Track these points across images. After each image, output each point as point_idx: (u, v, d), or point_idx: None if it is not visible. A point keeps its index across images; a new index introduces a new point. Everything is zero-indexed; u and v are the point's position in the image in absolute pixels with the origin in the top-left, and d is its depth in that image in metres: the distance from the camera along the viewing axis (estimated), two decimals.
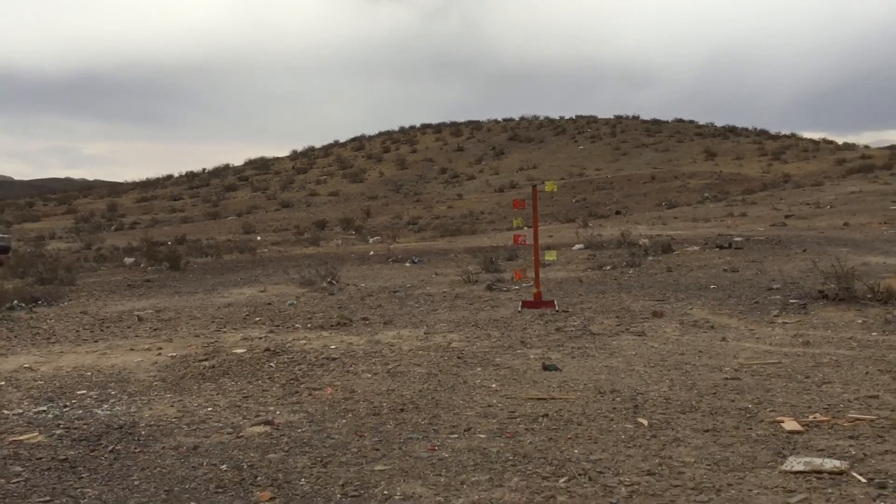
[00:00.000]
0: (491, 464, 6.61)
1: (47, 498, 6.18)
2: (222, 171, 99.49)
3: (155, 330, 13.84)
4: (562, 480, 6.20)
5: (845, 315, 12.67)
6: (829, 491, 5.78)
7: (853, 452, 6.54)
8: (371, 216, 60.49)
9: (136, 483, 6.46)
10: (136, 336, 13.24)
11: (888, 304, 13.17)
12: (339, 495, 6.07)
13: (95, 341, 12.85)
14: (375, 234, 44.40)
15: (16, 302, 17.33)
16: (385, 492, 6.10)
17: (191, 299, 18.21)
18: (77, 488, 6.38)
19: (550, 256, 16.51)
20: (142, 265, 28.56)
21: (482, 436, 7.36)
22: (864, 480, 5.94)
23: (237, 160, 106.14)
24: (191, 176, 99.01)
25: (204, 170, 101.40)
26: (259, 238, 46.64)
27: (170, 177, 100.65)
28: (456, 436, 7.39)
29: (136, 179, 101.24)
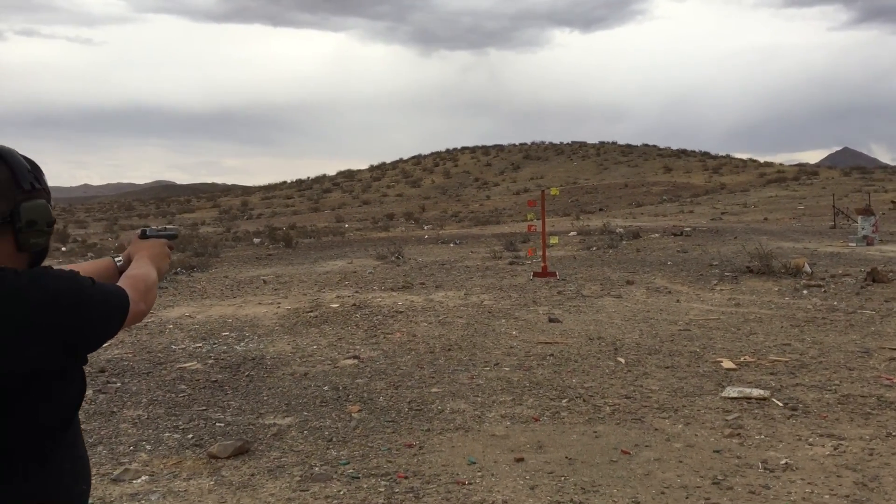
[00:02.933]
0: (513, 388, 6.59)
1: (204, 407, 6.26)
2: (321, 179, 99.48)
3: (275, 290, 13.89)
4: (564, 401, 6.17)
5: (765, 284, 12.46)
6: (756, 411, 5.71)
7: (773, 384, 6.44)
8: (425, 211, 60.30)
9: (265, 398, 6.52)
10: (263, 294, 13.31)
11: (796, 276, 12.94)
12: (406, 409, 6.08)
13: (234, 297, 12.93)
14: (428, 224, 44.26)
15: (179, 269, 17.51)
16: (439, 407, 6.10)
17: (300, 268, 18.26)
18: (224, 401, 6.45)
19: (554, 241, 16.33)
20: (265, 244, 28.68)
21: (507, 368, 7.33)
22: (780, 404, 5.86)
23: (331, 171, 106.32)
24: (299, 182, 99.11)
25: (308, 177, 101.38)
26: (347, 226, 46.63)
27: (284, 182, 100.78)
28: (488, 368, 7.37)
29: (261, 184, 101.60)
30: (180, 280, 15.92)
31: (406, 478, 4.58)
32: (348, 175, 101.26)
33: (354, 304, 11.41)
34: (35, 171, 1.58)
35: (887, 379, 6.45)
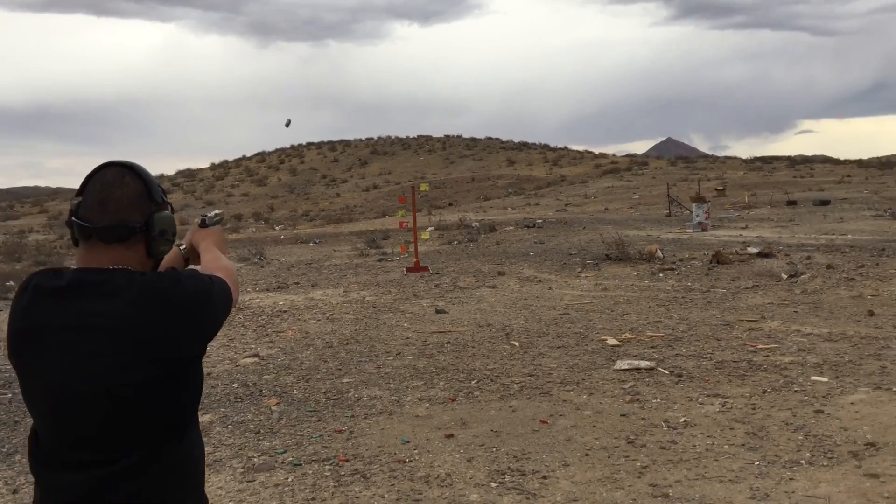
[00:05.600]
0: (421, 374, 6.92)
1: None
2: (159, 179, 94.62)
3: None
4: (473, 382, 6.57)
5: (624, 270, 13.44)
6: (647, 380, 6.36)
7: (656, 356, 7.15)
8: (274, 210, 59.27)
9: None
10: None
11: (651, 262, 14.04)
12: (324, 399, 6.28)
13: None
14: (280, 224, 43.61)
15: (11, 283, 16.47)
16: (355, 395, 6.34)
17: None
18: None
19: (425, 236, 16.73)
20: None
21: (410, 357, 7.65)
22: (666, 372, 6.54)
23: (169, 171, 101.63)
24: None
25: None
26: None
27: None
28: (391, 358, 7.64)
29: None
30: None
31: (348, 461, 4.82)
32: (189, 174, 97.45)
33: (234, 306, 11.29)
34: (161, 186, 1.78)
35: (751, 346, 7.33)
